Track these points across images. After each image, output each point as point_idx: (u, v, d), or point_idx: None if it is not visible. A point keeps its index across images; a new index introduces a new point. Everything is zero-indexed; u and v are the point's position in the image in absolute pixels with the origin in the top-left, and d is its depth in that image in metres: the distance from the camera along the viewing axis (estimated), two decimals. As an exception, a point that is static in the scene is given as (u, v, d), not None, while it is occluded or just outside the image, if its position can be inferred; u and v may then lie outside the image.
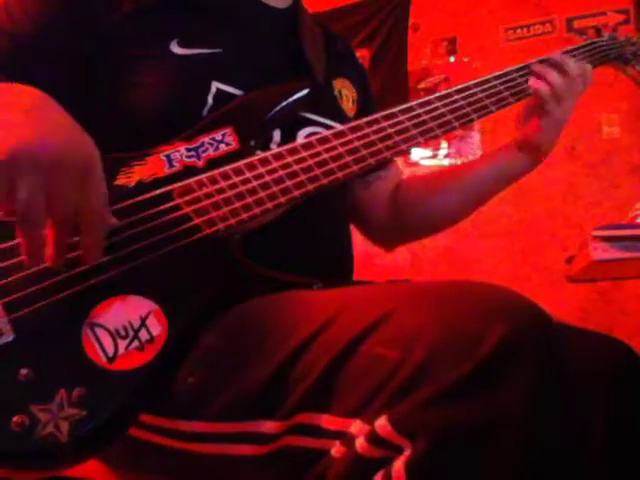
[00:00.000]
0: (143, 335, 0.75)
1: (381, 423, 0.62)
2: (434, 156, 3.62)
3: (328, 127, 1.00)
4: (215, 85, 0.93)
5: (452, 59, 3.67)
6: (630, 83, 1.34)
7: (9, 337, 0.71)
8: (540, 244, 3.26)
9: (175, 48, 0.94)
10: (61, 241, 0.69)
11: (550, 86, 1.09)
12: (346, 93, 1.15)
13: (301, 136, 0.98)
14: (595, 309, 3.09)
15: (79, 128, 0.73)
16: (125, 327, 0.74)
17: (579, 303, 3.09)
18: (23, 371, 0.69)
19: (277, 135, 0.95)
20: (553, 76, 1.10)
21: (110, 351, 0.73)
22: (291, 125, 0.97)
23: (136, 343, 0.74)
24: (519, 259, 3.30)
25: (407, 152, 0.97)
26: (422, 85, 3.70)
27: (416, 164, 3.65)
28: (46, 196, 0.66)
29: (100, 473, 0.88)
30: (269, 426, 0.71)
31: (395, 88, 3.72)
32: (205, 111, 0.91)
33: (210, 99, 0.92)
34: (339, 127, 0.93)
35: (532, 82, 1.10)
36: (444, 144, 3.58)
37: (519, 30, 3.50)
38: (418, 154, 3.63)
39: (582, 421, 0.68)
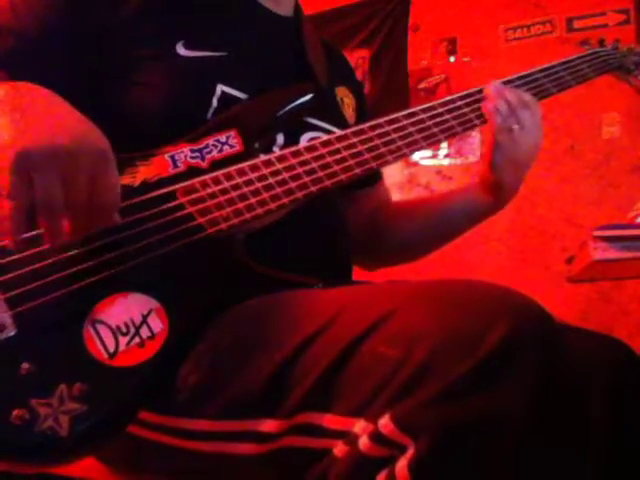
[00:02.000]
0: (144, 332, 0.75)
1: (384, 422, 0.62)
2: (434, 156, 3.62)
3: (330, 133, 1.00)
4: (220, 88, 0.93)
5: (452, 59, 3.67)
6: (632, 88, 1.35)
7: (11, 331, 0.72)
8: (540, 244, 3.26)
9: (181, 50, 0.94)
10: (79, 229, 0.71)
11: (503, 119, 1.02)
12: (347, 101, 1.16)
13: (304, 140, 0.98)
14: (595, 309, 3.09)
15: (89, 122, 0.74)
16: (126, 324, 0.74)
17: (579, 303, 3.09)
18: (24, 365, 0.70)
19: (280, 138, 0.96)
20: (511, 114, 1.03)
21: (111, 347, 0.73)
22: (295, 129, 0.98)
23: (137, 340, 0.74)
24: (519, 259, 3.30)
25: (409, 155, 0.97)
26: (422, 85, 3.70)
27: (416, 164, 3.65)
28: (62, 187, 0.68)
29: (100, 473, 0.88)
30: (270, 425, 0.71)
31: (395, 88, 3.72)
32: (209, 113, 0.92)
33: (215, 101, 0.92)
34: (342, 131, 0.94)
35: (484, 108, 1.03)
36: (444, 144, 3.58)
37: (519, 30, 3.50)
38: (418, 154, 3.63)
39: (582, 420, 0.68)
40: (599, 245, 1.33)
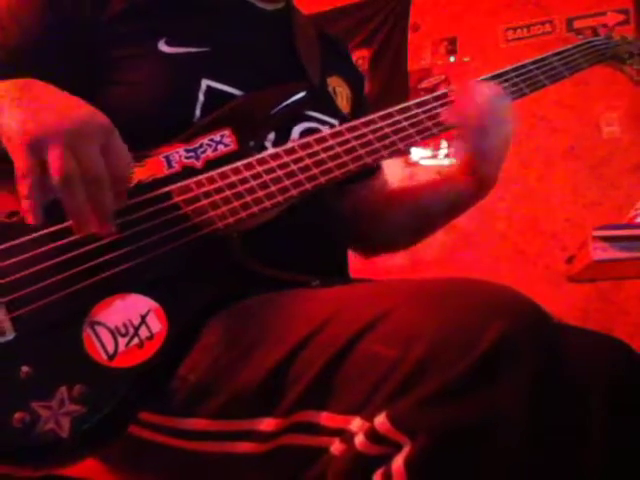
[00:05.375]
0: (143, 333, 0.75)
1: (380, 420, 0.62)
2: (434, 156, 3.62)
3: (323, 122, 1.01)
4: (205, 82, 0.93)
5: (452, 59, 3.67)
6: (630, 82, 1.35)
7: (10, 335, 0.72)
8: (540, 244, 3.26)
9: (163, 47, 0.94)
10: (104, 204, 0.72)
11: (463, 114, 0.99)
12: (340, 90, 1.15)
13: (296, 132, 0.99)
14: (595, 309, 3.09)
15: (91, 105, 0.76)
16: (125, 325, 0.75)
17: (579, 303, 3.09)
18: (24, 368, 0.70)
19: (272, 133, 0.95)
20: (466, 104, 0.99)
21: (110, 348, 0.73)
22: (287, 123, 0.98)
23: (136, 340, 0.74)
24: (519, 259, 3.29)
25: (405, 151, 0.97)
26: (422, 85, 3.71)
27: (416, 164, 3.65)
28: (75, 158, 0.69)
29: (100, 473, 0.88)
30: (268, 424, 0.71)
31: (395, 88, 3.72)
32: (197, 108, 0.92)
33: (201, 96, 0.93)
34: (335, 125, 0.94)
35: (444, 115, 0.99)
36: (444, 144, 3.58)
37: (519, 30, 3.51)
38: (418, 154, 3.63)
39: (581, 420, 0.68)
40: (599, 245, 1.33)
